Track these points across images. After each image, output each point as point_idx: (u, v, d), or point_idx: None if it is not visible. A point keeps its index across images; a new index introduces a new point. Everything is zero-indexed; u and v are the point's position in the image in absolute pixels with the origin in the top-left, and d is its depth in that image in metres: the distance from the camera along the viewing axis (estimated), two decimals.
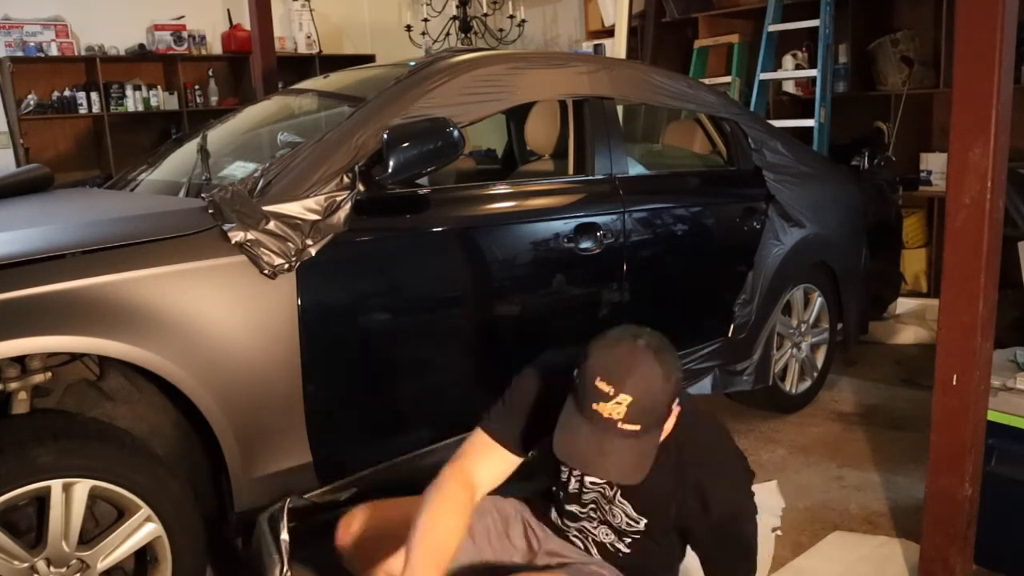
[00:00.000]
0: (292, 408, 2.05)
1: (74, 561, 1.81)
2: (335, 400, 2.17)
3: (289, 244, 1.99)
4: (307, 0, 6.83)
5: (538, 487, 1.90)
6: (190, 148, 2.67)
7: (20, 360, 1.82)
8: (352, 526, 1.83)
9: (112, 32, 6.09)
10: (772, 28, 5.17)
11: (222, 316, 1.93)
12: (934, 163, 4.98)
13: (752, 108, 4.99)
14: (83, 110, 6.03)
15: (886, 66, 5.17)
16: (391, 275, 2.26)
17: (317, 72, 6.30)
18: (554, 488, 1.82)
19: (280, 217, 2.01)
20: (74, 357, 1.96)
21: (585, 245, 2.63)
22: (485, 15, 6.90)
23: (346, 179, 2.13)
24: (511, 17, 6.51)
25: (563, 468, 1.74)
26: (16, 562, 1.75)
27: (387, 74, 2.59)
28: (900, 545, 2.50)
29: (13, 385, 1.82)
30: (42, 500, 1.76)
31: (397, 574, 1.53)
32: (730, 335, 3.18)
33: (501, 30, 6.70)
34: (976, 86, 1.91)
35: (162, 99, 6.37)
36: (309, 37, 6.88)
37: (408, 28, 6.47)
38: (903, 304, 4.64)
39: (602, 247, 2.66)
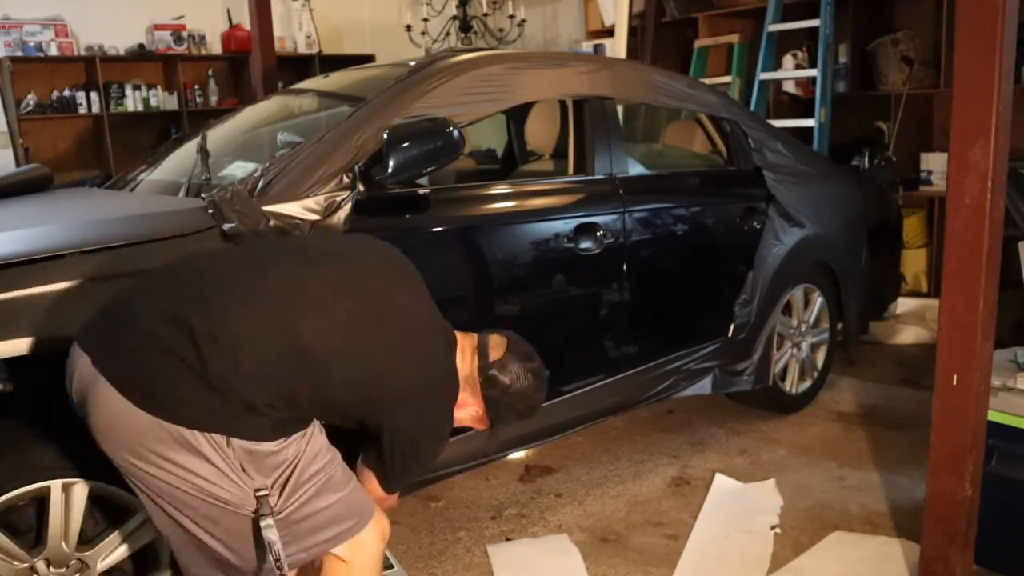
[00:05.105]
0: None
1: (74, 561, 1.81)
2: None
3: None
4: (307, 0, 6.84)
5: None
6: (190, 148, 2.66)
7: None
8: None
9: (112, 32, 6.09)
10: (772, 28, 5.17)
11: None
12: (934, 163, 4.98)
13: (752, 108, 4.99)
14: (83, 110, 6.03)
15: (886, 66, 5.17)
16: None
17: (317, 72, 6.30)
18: None
19: (280, 217, 2.01)
20: None
21: (585, 245, 2.63)
22: (485, 15, 6.90)
23: (346, 179, 2.13)
24: (511, 17, 6.51)
25: None
26: (16, 562, 1.76)
27: (387, 74, 2.59)
28: (900, 545, 2.50)
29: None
30: (42, 501, 1.76)
31: None
32: (730, 335, 3.18)
33: (501, 30, 6.71)
34: (976, 86, 1.91)
35: (162, 99, 6.37)
36: (309, 37, 6.88)
37: (408, 28, 6.47)
38: (903, 304, 4.63)
39: (602, 247, 2.66)
